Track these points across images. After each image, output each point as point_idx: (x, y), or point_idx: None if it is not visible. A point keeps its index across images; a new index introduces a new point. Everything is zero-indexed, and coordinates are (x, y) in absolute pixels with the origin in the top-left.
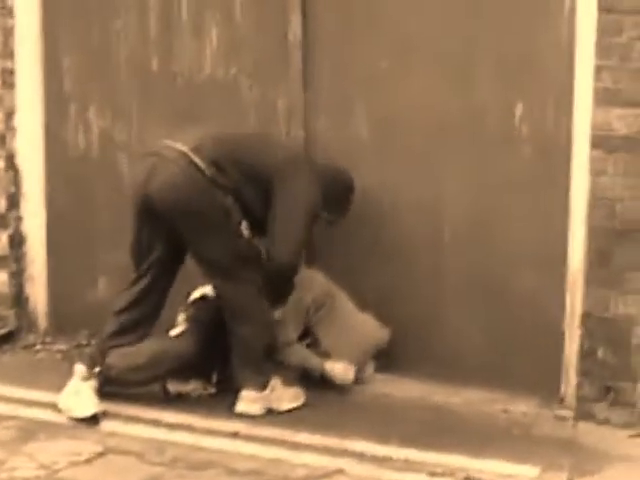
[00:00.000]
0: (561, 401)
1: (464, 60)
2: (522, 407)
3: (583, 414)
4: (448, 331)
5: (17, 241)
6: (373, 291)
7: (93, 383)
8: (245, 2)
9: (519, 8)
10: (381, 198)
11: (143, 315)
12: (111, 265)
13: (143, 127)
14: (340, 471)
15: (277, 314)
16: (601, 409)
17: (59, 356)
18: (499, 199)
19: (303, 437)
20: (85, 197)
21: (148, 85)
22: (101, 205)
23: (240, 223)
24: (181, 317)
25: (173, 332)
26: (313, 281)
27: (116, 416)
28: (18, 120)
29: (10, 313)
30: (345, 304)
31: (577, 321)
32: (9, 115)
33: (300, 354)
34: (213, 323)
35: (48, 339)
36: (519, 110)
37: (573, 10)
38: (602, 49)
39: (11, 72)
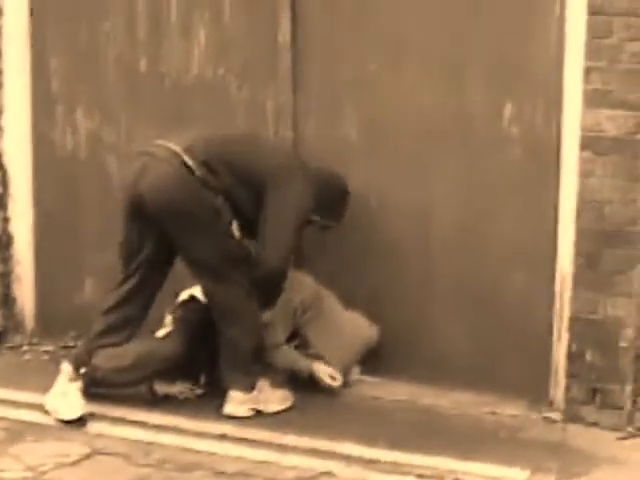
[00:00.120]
0: (550, 404)
1: (453, 62)
2: (510, 410)
3: (571, 416)
4: (437, 333)
5: (4, 242)
6: (362, 293)
7: (80, 384)
8: (234, 3)
9: (509, 10)
10: (370, 200)
11: (131, 315)
12: (99, 266)
13: (131, 128)
14: (328, 473)
15: (265, 316)
16: (589, 411)
17: (46, 357)
18: (488, 201)
19: (291, 439)
20: (73, 198)
21: (136, 86)
22: (89, 206)
23: (230, 224)
24: (168, 318)
25: (160, 333)
26: (301, 283)
27: (103, 417)
28: (6, 120)
29: None
30: (333, 305)
31: (566, 323)
32: None
33: (288, 356)
34: (201, 324)
35: (35, 340)
36: (508, 112)
37: (563, 11)
38: (592, 50)
39: None
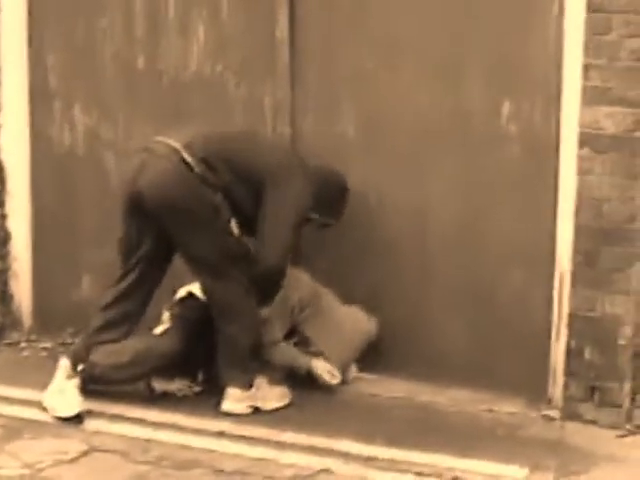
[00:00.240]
0: (548, 401)
1: (452, 59)
2: (509, 407)
3: (570, 414)
4: (435, 331)
5: (2, 238)
6: (360, 291)
7: (77, 381)
8: (232, 0)
9: (507, 7)
10: (367, 197)
11: (129, 311)
12: (96, 263)
13: (129, 125)
14: (326, 471)
15: (263, 312)
16: (588, 409)
17: (44, 354)
18: (486, 198)
19: (289, 436)
20: (70, 195)
21: (134, 83)
22: (86, 203)
23: (229, 221)
24: (166, 315)
25: (157, 330)
26: (299, 281)
27: (101, 415)
28: (3, 117)
29: None
30: (332, 302)
31: (564, 321)
32: None
33: (287, 353)
34: (199, 321)
35: (33, 337)
36: (507, 109)
37: (562, 9)
38: (591, 48)
39: None
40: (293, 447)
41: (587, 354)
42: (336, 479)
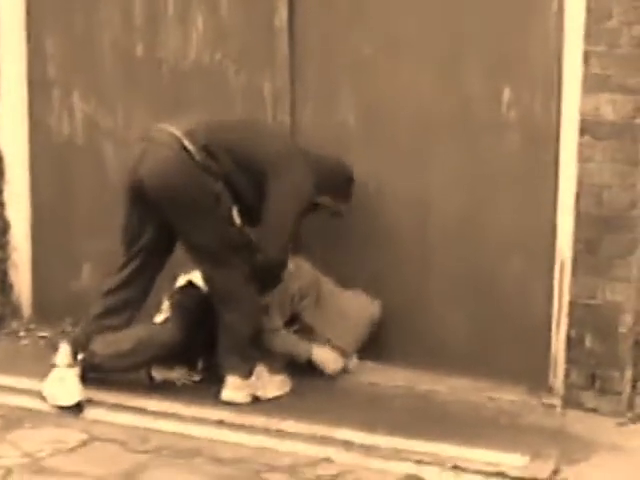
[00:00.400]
0: (549, 389)
1: (452, 47)
2: (509, 396)
3: (571, 402)
4: (435, 320)
5: (1, 228)
6: (360, 281)
7: (77, 370)
8: None
9: None
10: (367, 187)
11: (130, 298)
12: (95, 252)
13: (128, 114)
14: (327, 459)
15: (263, 300)
16: (589, 397)
17: (43, 343)
18: (487, 187)
19: (289, 425)
20: (69, 184)
21: (133, 72)
22: (86, 192)
23: (230, 210)
24: (165, 304)
25: (158, 319)
26: (299, 269)
27: (100, 404)
28: (2, 106)
29: None
30: (332, 289)
31: (565, 309)
32: None
33: (287, 341)
34: (199, 310)
35: (32, 326)
36: (507, 97)
37: None
38: (591, 35)
39: None
40: (293, 436)
41: (588, 342)
42: (336, 468)
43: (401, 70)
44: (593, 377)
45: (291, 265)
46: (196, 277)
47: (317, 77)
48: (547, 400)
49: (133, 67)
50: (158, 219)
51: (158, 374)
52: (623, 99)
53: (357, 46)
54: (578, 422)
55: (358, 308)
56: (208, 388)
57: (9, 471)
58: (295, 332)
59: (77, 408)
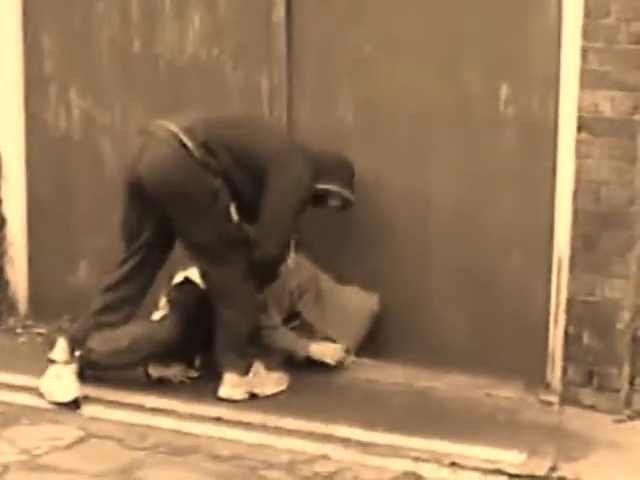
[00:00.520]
0: (546, 386)
1: (450, 43)
2: (507, 392)
3: (568, 399)
4: (433, 316)
5: None
6: (359, 277)
7: (74, 367)
8: None
9: None
10: (366, 184)
11: (129, 295)
12: (92, 249)
13: (125, 109)
14: (324, 456)
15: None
16: (586, 394)
17: (40, 340)
18: (484, 183)
19: (287, 422)
20: (66, 180)
21: (130, 67)
22: (82, 188)
23: (228, 206)
24: (163, 301)
25: (155, 316)
26: (298, 266)
27: (97, 401)
28: None
29: None
30: (331, 285)
31: (563, 306)
32: None
33: (285, 338)
34: (196, 307)
35: (29, 322)
36: (505, 93)
37: None
38: (589, 31)
39: None
40: (291, 433)
41: (586, 339)
42: (334, 465)
43: (400, 67)
44: (591, 374)
45: (289, 261)
46: (193, 274)
47: (315, 73)
48: (545, 397)
49: (130, 63)
50: (157, 216)
51: (155, 371)
52: (621, 96)
53: (355, 43)
54: (576, 419)
55: (357, 303)
56: (205, 385)
57: (6, 468)
58: (294, 329)
59: (74, 405)
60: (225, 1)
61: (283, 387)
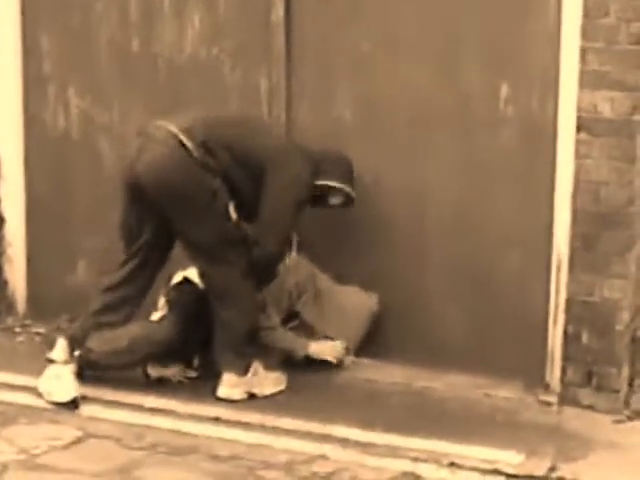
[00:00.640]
0: (545, 386)
1: (449, 42)
2: (506, 392)
3: (567, 399)
4: (432, 316)
5: None
6: (357, 276)
7: (73, 367)
8: None
9: None
10: (364, 182)
11: (129, 295)
12: (91, 248)
13: (123, 109)
14: (323, 456)
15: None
16: (585, 394)
17: (38, 339)
18: (484, 183)
19: (285, 422)
20: (65, 179)
21: (129, 67)
22: (81, 188)
23: (227, 205)
24: (161, 301)
25: (154, 316)
26: (296, 266)
27: (96, 400)
28: None
29: None
30: (330, 285)
31: (562, 306)
32: None
33: (284, 337)
34: (195, 307)
35: (27, 322)
36: (504, 93)
37: None
38: (588, 31)
39: None
40: (289, 433)
41: (585, 339)
42: (332, 465)
43: (398, 66)
44: (590, 374)
45: (288, 261)
46: (192, 274)
47: (313, 73)
48: (544, 397)
49: (129, 63)
50: (156, 216)
51: (154, 371)
52: (621, 96)
53: (354, 42)
54: (575, 419)
55: (356, 303)
56: (204, 385)
57: (4, 467)
58: (293, 329)
59: (73, 405)
60: (224, 1)
61: (282, 387)
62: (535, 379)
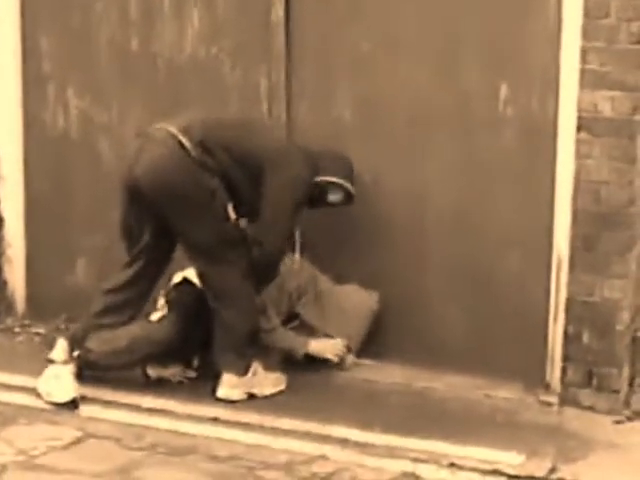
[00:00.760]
0: (546, 387)
1: (449, 42)
2: (506, 393)
3: (568, 400)
4: (432, 316)
5: None
6: (356, 276)
7: (72, 367)
8: None
9: None
10: (364, 182)
11: (131, 298)
12: (90, 248)
13: (123, 109)
14: (322, 457)
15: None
16: (586, 395)
17: (38, 340)
18: (484, 183)
19: (285, 422)
20: (64, 179)
21: (129, 67)
22: (80, 187)
23: (226, 205)
24: (161, 301)
25: (154, 316)
26: (297, 267)
27: (95, 401)
28: None
29: None
30: (330, 285)
31: (562, 306)
32: None
33: (284, 337)
34: (194, 307)
35: (26, 322)
36: (504, 93)
37: None
38: (588, 31)
39: None
40: (288, 433)
41: (585, 339)
42: (332, 465)
43: (399, 66)
44: (590, 374)
45: (290, 262)
46: (191, 274)
47: (313, 73)
48: (544, 398)
49: (128, 62)
50: (155, 217)
51: (154, 371)
52: (621, 96)
53: (354, 42)
54: (575, 420)
55: (357, 302)
56: (203, 385)
57: (4, 468)
58: (294, 330)
59: (72, 405)
60: (224, 0)
61: (281, 387)
62: (535, 379)
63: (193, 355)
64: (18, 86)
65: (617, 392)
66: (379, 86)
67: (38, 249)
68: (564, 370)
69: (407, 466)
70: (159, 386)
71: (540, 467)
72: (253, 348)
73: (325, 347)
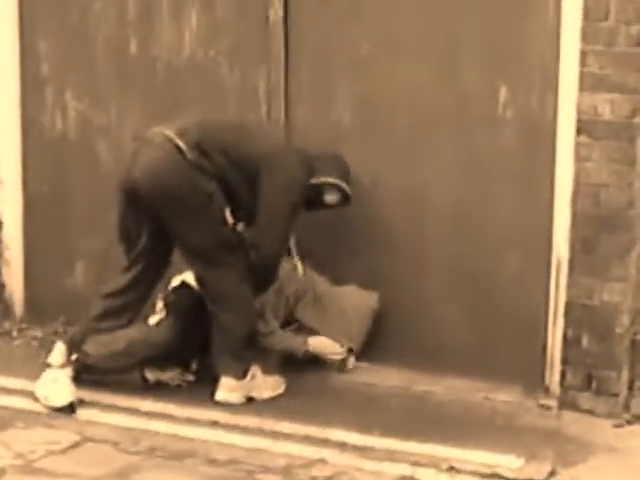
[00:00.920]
0: (545, 390)
1: (449, 44)
2: (505, 396)
3: (567, 403)
4: (431, 319)
5: None
6: (355, 278)
7: (70, 371)
8: None
9: None
10: (363, 184)
11: (129, 302)
12: (88, 251)
13: (121, 111)
14: (321, 461)
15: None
16: (585, 398)
17: (35, 343)
18: (483, 185)
19: (284, 426)
20: (62, 182)
21: (127, 69)
22: (79, 190)
23: (223, 209)
24: (160, 304)
25: (152, 320)
26: (294, 270)
27: (93, 404)
28: None
29: None
30: (328, 288)
31: (561, 309)
32: None
33: (283, 338)
34: (192, 311)
35: (24, 326)
36: (504, 95)
37: None
38: (588, 33)
39: None
40: (288, 437)
41: (584, 342)
42: (331, 469)
43: (398, 67)
44: (589, 378)
45: (286, 265)
46: (190, 277)
47: (312, 74)
48: (543, 401)
49: (126, 64)
50: (153, 221)
51: (152, 375)
52: (620, 98)
53: (353, 42)
54: (574, 423)
55: (357, 303)
56: (202, 389)
57: (2, 471)
58: (293, 332)
59: (70, 409)
60: (222, 1)
61: (280, 391)
62: (535, 383)
63: (191, 358)
64: (16, 88)
65: (616, 395)
66: (379, 87)
67: (36, 252)
68: (563, 373)
69: (406, 470)
70: (157, 390)
71: (539, 471)
72: (251, 351)
73: (325, 344)
